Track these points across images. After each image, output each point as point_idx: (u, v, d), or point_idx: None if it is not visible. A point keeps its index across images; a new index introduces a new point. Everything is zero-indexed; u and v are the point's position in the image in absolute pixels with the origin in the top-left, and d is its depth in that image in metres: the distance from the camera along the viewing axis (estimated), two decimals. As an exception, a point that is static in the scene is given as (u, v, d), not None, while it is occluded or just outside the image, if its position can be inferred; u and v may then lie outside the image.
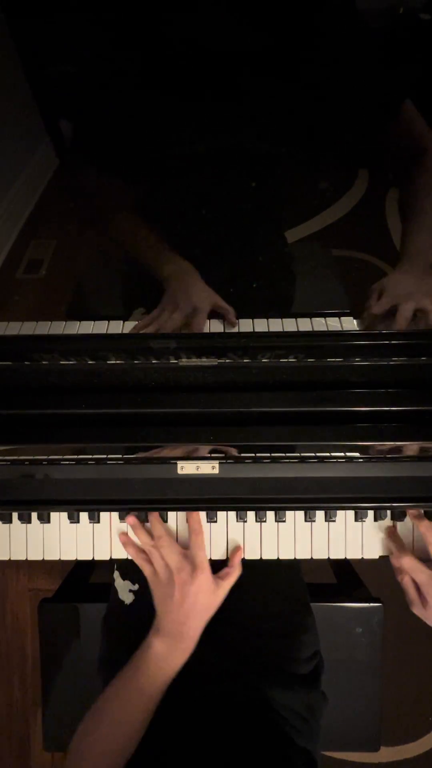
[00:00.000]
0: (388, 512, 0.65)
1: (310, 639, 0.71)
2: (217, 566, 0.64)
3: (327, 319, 0.58)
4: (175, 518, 0.67)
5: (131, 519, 0.64)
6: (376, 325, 0.57)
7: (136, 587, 0.72)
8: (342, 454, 0.58)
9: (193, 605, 0.59)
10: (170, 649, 0.59)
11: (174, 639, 0.59)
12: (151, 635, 0.60)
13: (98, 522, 0.66)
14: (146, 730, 0.58)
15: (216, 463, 0.59)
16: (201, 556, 0.60)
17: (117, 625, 0.73)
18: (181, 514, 0.66)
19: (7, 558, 0.67)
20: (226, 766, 0.53)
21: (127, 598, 0.72)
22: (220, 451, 0.59)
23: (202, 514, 0.66)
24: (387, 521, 0.65)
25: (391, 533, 0.64)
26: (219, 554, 0.66)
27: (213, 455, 0.59)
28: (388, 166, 0.58)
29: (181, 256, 0.56)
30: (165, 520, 0.66)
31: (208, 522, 0.66)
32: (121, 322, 0.59)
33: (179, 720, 0.59)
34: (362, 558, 0.66)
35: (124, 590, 0.72)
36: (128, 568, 0.73)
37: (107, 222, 0.60)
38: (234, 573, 0.63)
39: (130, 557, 0.65)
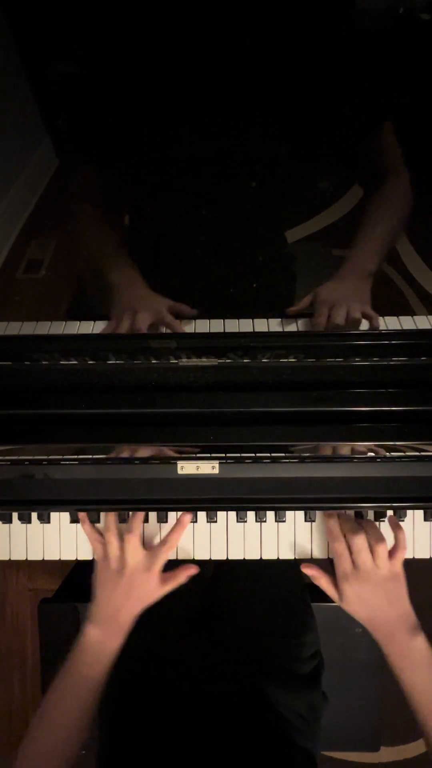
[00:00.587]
0: (389, 512, 0.65)
1: (311, 639, 0.71)
2: (221, 565, 0.64)
3: (327, 319, 0.58)
4: (176, 518, 0.66)
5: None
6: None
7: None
8: (342, 454, 0.58)
9: (136, 599, 0.59)
10: (104, 633, 0.59)
11: (108, 624, 0.59)
12: (86, 624, 0.60)
13: (98, 522, 0.66)
14: (146, 729, 0.58)
15: (216, 463, 0.59)
16: (160, 561, 0.60)
17: None
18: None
19: (7, 558, 0.67)
20: (226, 765, 0.53)
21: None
22: (220, 451, 0.59)
23: (202, 514, 0.66)
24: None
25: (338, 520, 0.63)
26: (219, 554, 0.66)
27: (213, 455, 0.59)
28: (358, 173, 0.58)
29: (128, 262, 0.57)
30: (165, 521, 0.66)
31: (208, 522, 0.66)
32: (121, 322, 0.59)
33: (180, 719, 0.59)
34: (362, 558, 0.66)
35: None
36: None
37: (80, 226, 0.60)
38: (179, 579, 0.62)
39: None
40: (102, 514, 0.65)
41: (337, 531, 0.61)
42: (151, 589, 0.60)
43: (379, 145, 0.57)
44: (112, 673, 0.62)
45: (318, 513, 0.65)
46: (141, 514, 0.63)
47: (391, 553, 0.59)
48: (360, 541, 0.58)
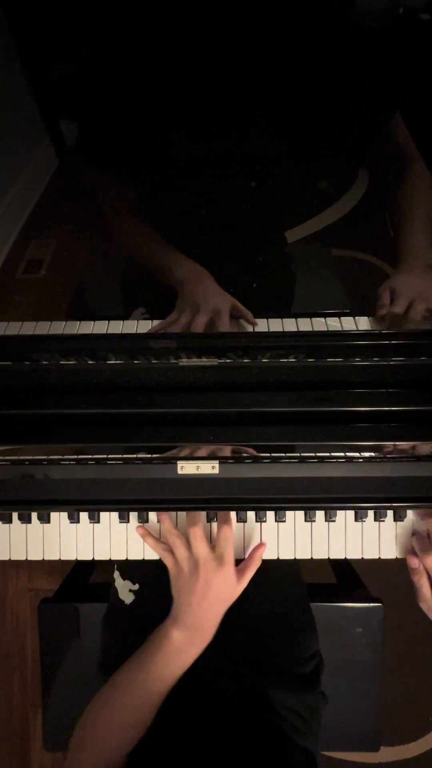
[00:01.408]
0: (389, 512, 0.65)
1: (310, 639, 0.71)
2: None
3: (327, 319, 0.58)
4: (175, 518, 0.67)
5: (140, 530, 0.64)
6: (397, 326, 0.57)
7: (136, 587, 0.72)
8: (342, 454, 0.58)
9: (215, 599, 0.58)
10: (189, 639, 0.58)
11: (193, 630, 0.58)
12: (169, 625, 0.59)
13: (98, 522, 0.66)
14: (146, 729, 0.58)
15: (216, 463, 0.59)
16: (229, 550, 0.60)
17: (117, 625, 0.73)
18: (181, 514, 0.66)
19: (7, 558, 0.67)
20: (226, 765, 0.53)
21: (127, 598, 0.72)
22: (220, 451, 0.59)
23: (202, 514, 0.66)
24: (389, 521, 0.65)
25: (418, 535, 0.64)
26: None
27: (213, 455, 0.59)
28: (380, 171, 0.58)
29: (193, 260, 0.57)
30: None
31: (208, 522, 0.66)
32: (121, 322, 0.59)
33: (180, 719, 0.59)
34: (362, 558, 0.66)
35: (125, 590, 0.72)
36: (128, 568, 0.73)
37: (113, 226, 0.59)
38: (254, 565, 0.62)
39: (131, 556, 0.65)
40: (152, 517, 0.66)
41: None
42: (230, 585, 0.59)
43: (394, 139, 0.57)
44: (112, 673, 0.62)
45: (409, 513, 0.65)
46: (199, 521, 0.62)
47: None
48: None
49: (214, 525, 0.66)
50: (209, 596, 0.58)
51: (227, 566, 0.59)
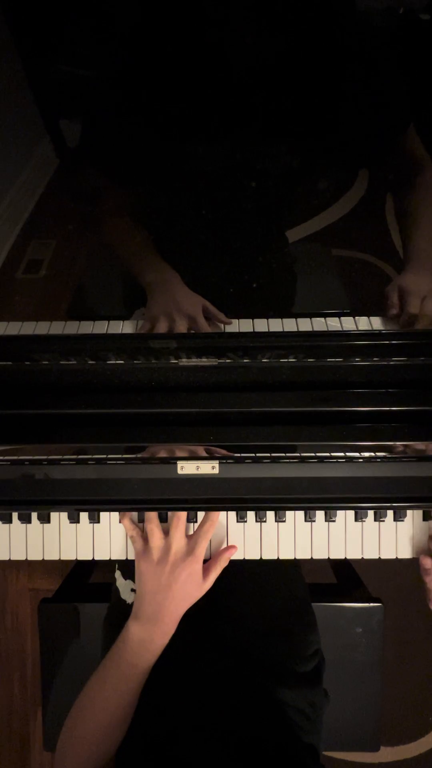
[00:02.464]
0: (389, 512, 0.65)
1: (312, 637, 0.72)
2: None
3: (327, 319, 0.58)
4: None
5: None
6: (413, 325, 0.57)
7: (137, 586, 0.72)
8: (342, 454, 0.58)
9: (178, 591, 0.58)
10: (149, 633, 0.58)
11: (152, 623, 0.58)
12: (129, 620, 0.59)
13: (98, 522, 0.66)
14: (150, 729, 0.58)
15: (216, 463, 0.59)
16: (202, 545, 0.60)
17: (119, 625, 0.73)
18: (181, 515, 0.66)
19: (7, 558, 0.67)
20: (233, 764, 0.53)
21: (129, 597, 0.72)
22: (221, 451, 0.59)
23: (203, 514, 0.66)
24: (389, 521, 0.65)
25: None
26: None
27: (213, 455, 0.59)
28: (388, 174, 0.58)
29: (166, 262, 0.57)
30: (165, 520, 0.66)
31: (208, 522, 0.66)
32: (121, 322, 0.59)
33: (184, 720, 0.59)
34: (362, 558, 0.66)
35: (126, 589, 0.72)
36: (130, 567, 0.73)
37: (101, 224, 0.60)
38: (219, 566, 0.62)
39: (131, 556, 0.65)
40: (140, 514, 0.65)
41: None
42: (195, 581, 0.59)
43: (407, 143, 0.57)
44: None
45: (410, 513, 0.65)
46: (183, 514, 0.63)
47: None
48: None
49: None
50: (174, 587, 0.58)
51: (196, 560, 0.59)
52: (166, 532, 0.62)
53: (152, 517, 0.62)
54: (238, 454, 0.58)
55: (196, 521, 0.66)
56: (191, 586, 0.59)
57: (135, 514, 0.66)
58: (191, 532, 0.64)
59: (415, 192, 0.59)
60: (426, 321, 0.57)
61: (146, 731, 0.58)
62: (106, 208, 0.59)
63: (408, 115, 0.56)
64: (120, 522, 0.65)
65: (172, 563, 0.59)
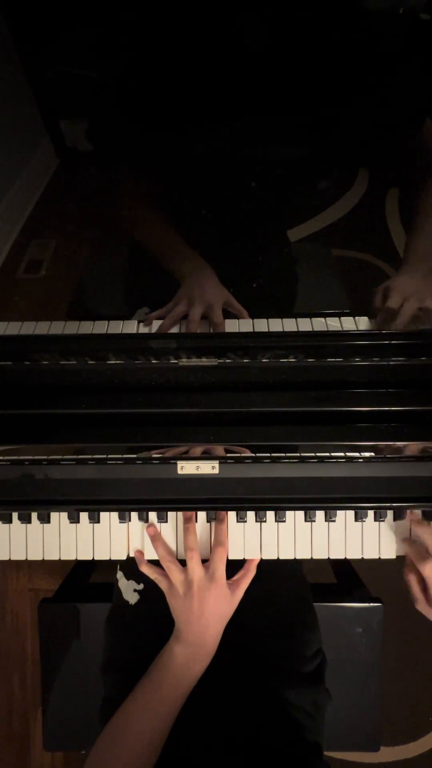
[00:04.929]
0: (389, 512, 0.65)
1: (314, 637, 0.72)
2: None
3: (327, 319, 0.58)
4: (175, 518, 0.67)
5: (152, 530, 0.65)
6: (389, 324, 0.57)
7: (140, 586, 0.71)
8: (342, 454, 0.58)
9: (212, 614, 0.59)
10: (192, 656, 0.59)
11: (195, 647, 0.59)
12: (173, 643, 0.60)
13: (98, 522, 0.66)
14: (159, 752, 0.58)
15: (216, 463, 0.59)
16: (221, 570, 0.61)
17: (122, 626, 0.73)
18: (181, 516, 0.66)
19: (7, 558, 0.67)
20: (238, 764, 0.53)
21: (132, 598, 0.72)
22: (220, 451, 0.59)
23: (202, 514, 0.66)
24: (389, 521, 0.65)
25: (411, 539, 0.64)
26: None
27: (213, 455, 0.59)
28: (389, 174, 0.58)
29: (200, 255, 0.58)
30: (165, 520, 0.66)
31: (208, 522, 0.66)
32: (121, 322, 0.59)
33: (187, 720, 0.58)
34: (362, 558, 0.66)
35: (129, 590, 0.72)
36: (132, 568, 0.73)
37: (132, 221, 0.60)
38: (248, 576, 0.63)
39: (139, 565, 0.65)
40: (152, 517, 0.66)
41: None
42: (224, 601, 0.60)
43: (422, 143, 0.57)
44: (117, 675, 0.62)
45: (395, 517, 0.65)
46: (192, 528, 0.63)
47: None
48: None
49: (202, 526, 0.66)
50: (206, 613, 0.59)
51: (218, 583, 0.60)
52: (184, 563, 0.62)
53: (164, 555, 0.63)
54: (239, 454, 0.58)
55: (195, 520, 0.66)
56: (222, 606, 0.60)
57: (158, 526, 0.66)
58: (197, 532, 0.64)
59: (423, 193, 0.59)
60: (401, 321, 0.57)
61: None
62: (125, 203, 0.59)
63: (423, 112, 0.55)
64: (140, 569, 0.65)
65: (198, 593, 0.59)
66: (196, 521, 0.66)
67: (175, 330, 0.59)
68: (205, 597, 0.59)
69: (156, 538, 0.64)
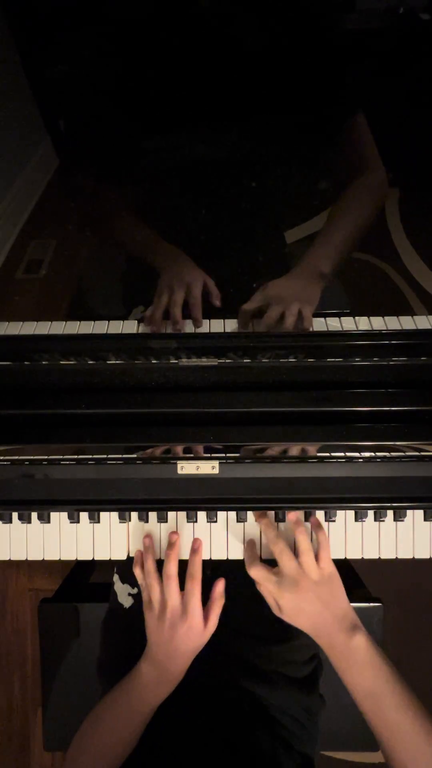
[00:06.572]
0: (389, 512, 0.65)
1: (307, 642, 0.71)
2: (219, 566, 0.64)
3: (327, 319, 0.58)
4: (175, 518, 0.67)
5: (147, 540, 0.65)
6: (250, 325, 0.58)
7: (135, 591, 0.72)
8: (342, 454, 0.58)
9: (180, 644, 0.58)
10: (157, 679, 0.59)
11: (161, 670, 0.59)
12: (142, 661, 0.60)
13: (98, 522, 0.66)
14: (144, 735, 0.58)
15: (216, 463, 0.59)
16: (193, 603, 0.59)
17: (116, 628, 0.73)
18: (181, 516, 0.66)
19: (7, 558, 0.67)
20: None
21: (126, 601, 0.72)
22: (220, 451, 0.59)
23: (202, 514, 0.66)
24: (389, 521, 0.65)
25: (251, 544, 0.64)
26: (219, 554, 0.66)
27: (213, 455, 0.59)
28: (389, 174, 0.57)
29: (176, 246, 0.57)
30: (165, 520, 0.66)
31: (208, 522, 0.66)
32: (121, 322, 0.59)
33: (176, 726, 0.59)
34: (362, 558, 0.66)
35: (123, 594, 0.72)
36: (127, 572, 0.73)
37: (109, 224, 0.60)
38: (216, 604, 0.61)
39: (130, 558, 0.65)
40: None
41: (271, 536, 0.60)
42: (194, 635, 0.59)
43: (352, 140, 0.56)
44: (111, 677, 0.62)
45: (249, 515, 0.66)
46: (176, 553, 0.62)
47: (317, 556, 0.59)
48: (278, 549, 0.58)
49: (213, 525, 0.66)
50: (175, 640, 0.58)
51: (191, 616, 0.59)
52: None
53: (149, 570, 0.62)
54: (238, 454, 0.58)
55: (195, 520, 0.66)
56: (192, 639, 0.59)
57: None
58: (188, 529, 0.64)
59: (343, 194, 0.57)
60: (264, 324, 0.57)
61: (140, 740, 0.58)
62: (111, 207, 0.59)
63: (352, 108, 0.54)
64: (133, 570, 0.65)
65: (170, 622, 0.59)
66: (196, 521, 0.66)
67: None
68: (176, 626, 0.58)
69: (148, 551, 0.64)
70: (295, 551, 0.60)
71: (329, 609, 0.56)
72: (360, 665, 0.54)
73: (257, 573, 0.60)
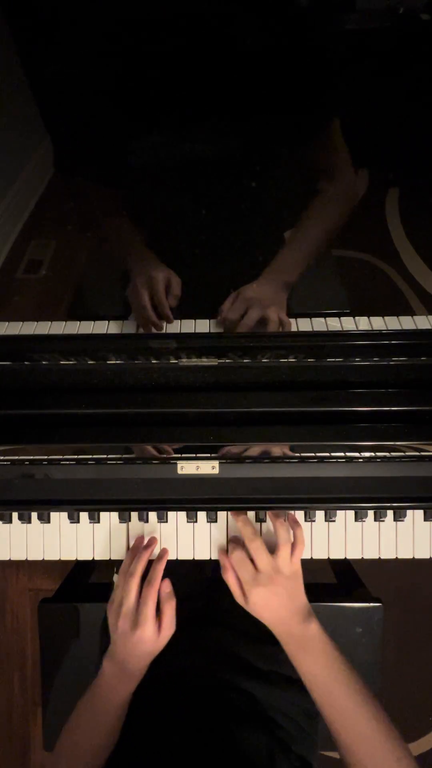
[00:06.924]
0: (389, 512, 0.65)
1: None
2: (217, 566, 0.64)
3: (327, 319, 0.58)
4: (175, 518, 0.67)
5: (139, 540, 0.65)
6: (231, 328, 0.58)
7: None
8: (342, 454, 0.58)
9: (133, 649, 0.58)
10: (118, 676, 0.59)
11: (121, 666, 0.59)
12: (105, 658, 0.60)
13: (98, 522, 0.66)
14: (138, 735, 0.58)
15: (216, 463, 0.59)
16: (145, 611, 0.59)
17: None
18: (181, 516, 0.66)
19: (7, 558, 0.67)
20: None
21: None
22: (220, 451, 0.59)
23: (202, 514, 0.66)
24: (389, 521, 0.66)
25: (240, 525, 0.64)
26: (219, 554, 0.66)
27: (213, 455, 0.59)
28: (389, 174, 0.58)
29: (150, 251, 0.58)
30: (165, 520, 0.66)
31: (208, 522, 0.66)
32: (121, 322, 0.59)
33: (173, 726, 0.58)
34: (362, 558, 0.66)
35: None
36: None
37: (100, 224, 0.60)
38: (169, 606, 0.61)
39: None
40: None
41: (249, 533, 0.60)
42: (147, 643, 0.59)
43: (324, 146, 0.56)
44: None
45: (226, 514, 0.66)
46: (148, 554, 0.63)
47: (292, 552, 0.60)
48: (255, 546, 0.59)
49: (213, 525, 0.66)
50: (131, 641, 0.58)
51: (144, 625, 0.58)
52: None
53: (124, 567, 0.62)
54: (239, 454, 0.58)
55: (195, 520, 0.66)
56: (145, 646, 0.59)
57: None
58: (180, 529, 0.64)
59: (314, 200, 0.58)
60: (243, 327, 0.57)
61: (131, 741, 0.58)
62: (108, 208, 0.59)
63: (328, 114, 0.54)
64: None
65: (123, 628, 0.59)
66: (196, 521, 0.66)
67: (174, 329, 0.59)
68: (127, 634, 0.58)
69: (135, 549, 0.64)
70: (269, 546, 0.60)
71: (293, 602, 0.58)
72: (316, 653, 0.57)
73: (237, 557, 0.60)
